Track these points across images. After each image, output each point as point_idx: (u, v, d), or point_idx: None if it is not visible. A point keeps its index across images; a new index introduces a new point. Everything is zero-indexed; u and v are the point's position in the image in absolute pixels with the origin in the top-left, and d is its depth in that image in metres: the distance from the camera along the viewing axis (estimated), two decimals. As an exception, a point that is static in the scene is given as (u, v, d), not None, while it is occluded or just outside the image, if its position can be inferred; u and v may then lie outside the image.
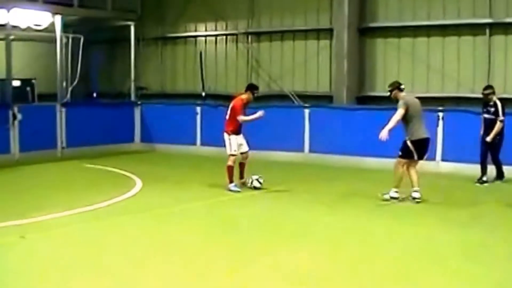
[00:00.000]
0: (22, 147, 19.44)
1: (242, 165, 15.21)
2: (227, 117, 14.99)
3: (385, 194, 13.56)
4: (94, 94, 26.09)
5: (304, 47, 22.95)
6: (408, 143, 13.47)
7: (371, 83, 21.47)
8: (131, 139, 23.18)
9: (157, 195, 14.27)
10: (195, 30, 25.67)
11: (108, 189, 14.71)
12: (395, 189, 13.53)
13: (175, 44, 26.32)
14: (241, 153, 15.03)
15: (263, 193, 14.51)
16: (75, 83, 23.04)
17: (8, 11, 19.82)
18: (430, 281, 8.25)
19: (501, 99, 16.41)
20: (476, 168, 16.16)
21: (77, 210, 12.21)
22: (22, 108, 19.75)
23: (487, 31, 19.44)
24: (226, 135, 14.93)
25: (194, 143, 22.06)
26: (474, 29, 19.75)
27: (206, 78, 24.59)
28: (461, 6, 19.85)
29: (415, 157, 13.59)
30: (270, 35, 23.73)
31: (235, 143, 14.83)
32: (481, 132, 16.02)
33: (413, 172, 13.68)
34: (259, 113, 14.84)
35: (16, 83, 21.83)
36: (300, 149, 19.96)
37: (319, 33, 22.56)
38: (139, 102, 23.67)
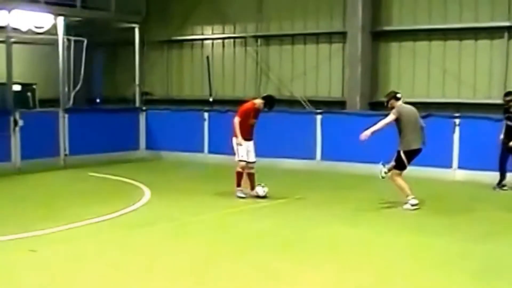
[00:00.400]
0: (24, 154, 19.38)
1: (250, 176, 15.11)
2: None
3: (404, 205, 13.70)
4: (97, 100, 26.08)
5: (316, 51, 23.06)
6: (402, 154, 13.74)
7: (385, 88, 21.41)
8: (136, 147, 23.17)
9: (167, 206, 14.25)
10: (202, 33, 25.78)
11: (116, 199, 14.74)
12: (410, 197, 13.67)
13: (181, 48, 26.39)
14: (249, 163, 15.00)
15: (275, 203, 14.51)
16: (77, 88, 22.79)
17: (9, 13, 19.84)
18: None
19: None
20: (492, 176, 16.36)
21: (86, 222, 12.22)
22: (23, 114, 19.71)
23: (506, 34, 19.55)
24: (234, 140, 14.91)
25: (201, 151, 22.05)
26: (492, 32, 19.87)
27: (214, 83, 24.68)
28: (479, 8, 19.97)
29: (406, 167, 13.87)
30: (280, 38, 23.82)
31: (243, 149, 14.82)
32: (502, 137, 16.18)
33: (403, 182, 13.94)
34: (240, 142, 14.83)
35: (17, 87, 21.72)
36: (312, 156, 19.99)
37: (331, 36, 22.68)
38: (144, 108, 23.63)
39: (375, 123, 13.97)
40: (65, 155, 20.69)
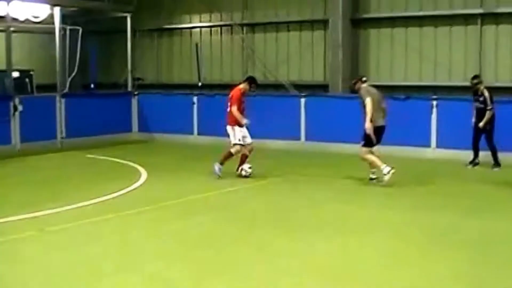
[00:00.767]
0: (23, 137, 19.35)
1: (244, 157, 15.00)
2: (228, 109, 14.86)
3: (384, 176, 13.69)
4: (92, 85, 26.04)
5: (299, 38, 23.13)
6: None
7: (364, 72, 21.45)
8: (129, 129, 23.12)
9: (165, 185, 14.21)
10: (190, 22, 25.78)
11: (116, 179, 14.62)
12: (383, 166, 13.71)
13: (171, 36, 26.40)
14: (246, 145, 14.88)
15: (265, 182, 14.53)
16: (73, 74, 22.89)
17: (8, 4, 19.75)
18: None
19: (493, 88, 16.70)
20: (468, 154, 16.46)
21: (91, 202, 12.11)
22: (22, 99, 19.67)
23: (479, 21, 19.64)
24: (229, 128, 14.81)
25: (191, 133, 22.03)
26: (466, 19, 19.96)
27: (202, 68, 24.67)
28: (453, -4, 20.04)
29: (374, 143, 13.96)
30: (265, 26, 23.85)
31: (239, 134, 14.73)
32: (474, 120, 16.25)
33: (373, 156, 14.06)
34: (246, 121, 14.84)
35: (15, 74, 21.58)
36: (297, 137, 20.02)
37: (313, 24, 22.76)
38: (136, 93, 23.57)
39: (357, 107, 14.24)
40: (62, 137, 20.64)
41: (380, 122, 13.98)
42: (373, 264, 8.57)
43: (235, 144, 14.79)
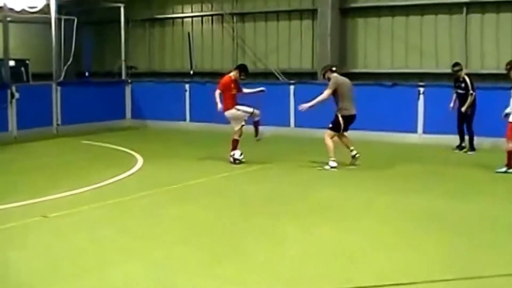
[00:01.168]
0: (20, 124, 19.09)
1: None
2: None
3: (325, 165, 13.70)
4: (87, 74, 25.82)
5: (288, 27, 22.90)
6: (339, 117, 13.83)
7: (352, 60, 21.46)
8: (122, 116, 22.83)
9: (161, 171, 13.86)
10: (182, 12, 25.54)
11: (113, 165, 14.23)
12: (332, 159, 13.69)
13: (163, 25, 26.17)
14: (252, 113, 14.56)
15: (258, 168, 14.22)
16: (69, 63, 22.84)
17: (5, -6, 19.36)
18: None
19: (478, 75, 16.61)
20: (454, 139, 16.35)
21: (90, 187, 11.77)
22: (19, 87, 19.42)
23: (464, 9, 19.44)
24: (227, 112, 14.53)
25: (183, 119, 21.72)
26: (451, 8, 19.77)
27: (194, 57, 24.46)
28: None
29: (341, 130, 13.91)
30: (254, 15, 23.61)
31: (240, 111, 14.49)
32: (454, 106, 16.24)
33: (345, 139, 14.15)
34: (260, 89, 15.09)
35: (11, 63, 21.24)
36: (286, 123, 19.78)
37: (302, 13, 22.55)
38: (129, 81, 23.29)
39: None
40: (58, 124, 20.37)
41: (352, 111, 13.96)
42: (377, 247, 8.28)
43: (238, 129, 14.51)
